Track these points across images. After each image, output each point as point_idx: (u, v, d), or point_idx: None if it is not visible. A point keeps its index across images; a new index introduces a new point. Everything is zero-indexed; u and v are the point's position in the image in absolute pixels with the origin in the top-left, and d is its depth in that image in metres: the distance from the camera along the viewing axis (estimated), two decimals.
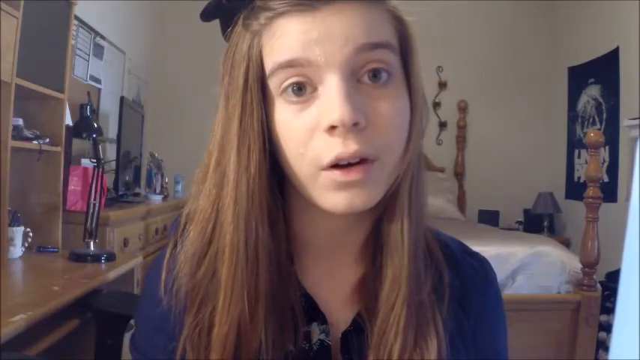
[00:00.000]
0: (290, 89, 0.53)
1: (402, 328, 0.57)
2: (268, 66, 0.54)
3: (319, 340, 0.60)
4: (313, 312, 0.61)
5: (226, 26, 0.58)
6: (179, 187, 4.20)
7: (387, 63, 0.54)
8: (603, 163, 4.01)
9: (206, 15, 0.58)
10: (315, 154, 0.53)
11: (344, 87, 0.51)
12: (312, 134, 0.53)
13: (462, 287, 0.64)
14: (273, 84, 0.54)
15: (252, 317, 0.55)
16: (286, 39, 0.52)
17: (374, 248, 0.60)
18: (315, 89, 0.53)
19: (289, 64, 0.52)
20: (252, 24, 0.55)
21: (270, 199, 0.56)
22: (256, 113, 0.55)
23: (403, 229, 0.57)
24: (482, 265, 0.69)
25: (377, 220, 0.60)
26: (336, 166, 0.52)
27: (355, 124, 0.51)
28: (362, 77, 0.53)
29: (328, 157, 0.52)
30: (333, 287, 0.63)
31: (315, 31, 0.51)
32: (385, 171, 0.55)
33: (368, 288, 0.61)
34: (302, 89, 0.53)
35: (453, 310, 0.62)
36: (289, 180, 0.58)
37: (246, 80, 0.55)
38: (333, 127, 0.51)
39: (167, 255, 0.62)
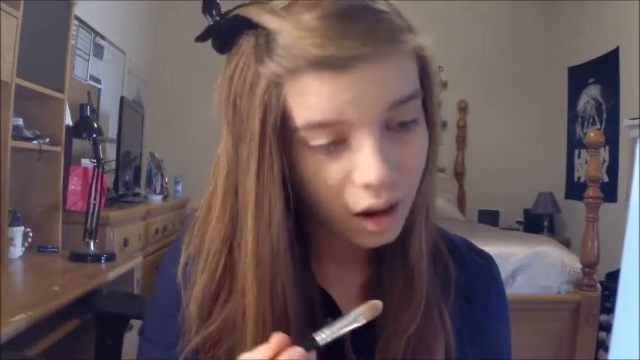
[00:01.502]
0: (321, 144, 0.52)
1: (411, 327, 0.57)
2: (297, 120, 0.51)
3: None
4: (326, 307, 0.61)
5: (221, 44, 0.55)
6: (179, 187, 4.20)
7: (415, 112, 0.54)
8: (603, 163, 4.01)
9: (202, 38, 0.56)
10: (346, 202, 0.53)
11: (378, 145, 0.51)
12: (342, 184, 0.53)
13: (468, 283, 0.66)
14: (301, 135, 0.52)
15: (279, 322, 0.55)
16: (318, 99, 0.50)
17: (384, 248, 0.60)
18: (345, 141, 0.52)
19: (322, 125, 0.51)
20: (269, 65, 0.51)
21: (294, 250, 0.56)
22: (276, 166, 0.52)
23: (422, 240, 0.59)
24: (486, 261, 0.71)
25: None
26: (366, 212, 0.53)
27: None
28: (391, 125, 0.53)
29: (360, 207, 0.53)
30: (344, 284, 0.64)
31: (349, 92, 0.49)
32: (408, 204, 0.57)
33: (378, 287, 0.61)
34: (333, 144, 0.52)
35: (459, 305, 0.63)
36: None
37: (263, 129, 0.52)
38: (369, 184, 0.52)
39: (183, 252, 0.62)
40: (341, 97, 0.49)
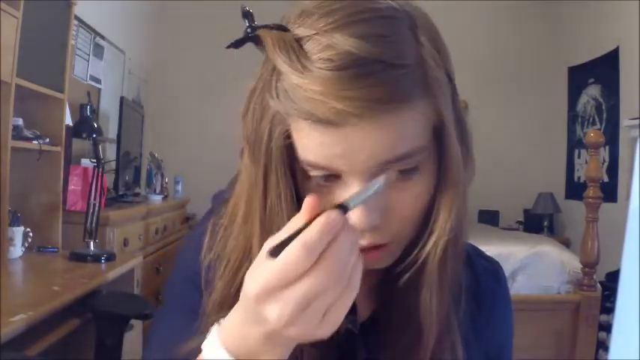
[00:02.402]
0: (317, 179, 0.54)
1: (419, 328, 0.58)
2: (298, 151, 0.53)
3: (346, 328, 0.61)
4: None
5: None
6: (179, 187, 4.20)
7: (416, 162, 0.53)
8: (603, 163, 4.01)
9: (235, 46, 0.55)
10: None
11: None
12: None
13: (476, 288, 0.67)
14: (301, 166, 0.54)
15: None
16: (310, 143, 0.51)
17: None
18: (340, 177, 0.53)
19: (314, 166, 0.53)
20: (274, 101, 0.52)
21: None
22: (283, 187, 0.55)
23: (433, 283, 0.58)
24: (494, 266, 0.73)
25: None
26: None
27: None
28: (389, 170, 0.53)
29: None
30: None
31: (338, 147, 0.50)
32: (400, 243, 0.57)
33: (388, 286, 0.62)
34: (328, 177, 0.53)
35: (468, 308, 0.63)
36: None
37: (268, 155, 0.54)
38: None
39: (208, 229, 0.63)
40: (330, 150, 0.50)
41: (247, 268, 0.54)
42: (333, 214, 0.44)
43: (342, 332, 0.61)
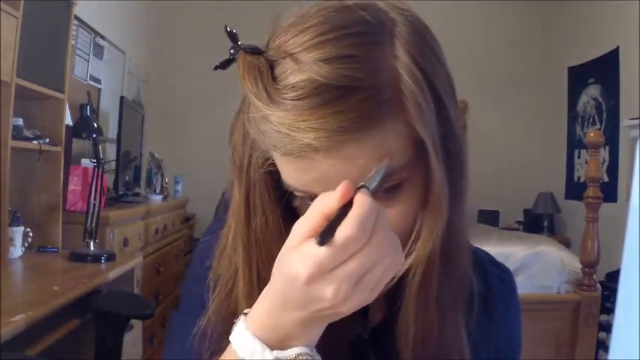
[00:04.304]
0: (301, 200, 0.55)
1: (429, 332, 0.58)
2: (281, 175, 0.54)
3: (357, 333, 0.62)
4: None
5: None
6: (179, 187, 4.20)
7: (396, 180, 0.51)
8: (603, 163, 4.01)
9: (221, 67, 0.55)
10: None
11: None
12: None
13: (488, 294, 0.67)
14: (285, 187, 0.55)
15: None
16: (287, 171, 0.52)
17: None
18: None
19: (295, 190, 0.53)
20: (249, 126, 0.52)
21: None
22: (269, 215, 0.56)
23: (430, 291, 0.57)
24: (506, 274, 0.73)
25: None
26: None
27: None
28: None
29: None
30: None
31: (310, 174, 0.50)
32: None
33: (400, 291, 0.61)
34: (313, 197, 0.53)
35: (478, 315, 0.63)
36: None
37: (248, 180, 0.56)
38: None
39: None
40: (303, 178, 0.51)
41: (236, 288, 0.56)
42: (368, 197, 0.45)
43: (353, 337, 0.61)
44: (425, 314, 0.57)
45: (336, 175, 0.49)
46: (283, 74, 0.49)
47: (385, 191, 0.51)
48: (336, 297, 0.44)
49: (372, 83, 0.48)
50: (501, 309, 0.69)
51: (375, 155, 0.49)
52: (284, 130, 0.48)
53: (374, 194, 0.47)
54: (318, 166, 0.49)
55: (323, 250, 0.43)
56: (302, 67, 0.48)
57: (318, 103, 0.47)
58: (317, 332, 0.49)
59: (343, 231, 0.43)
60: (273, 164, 0.54)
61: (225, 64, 0.53)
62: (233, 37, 0.52)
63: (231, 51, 0.52)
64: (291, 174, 0.52)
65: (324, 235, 0.44)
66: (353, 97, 0.47)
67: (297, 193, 0.54)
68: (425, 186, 0.53)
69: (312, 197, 0.50)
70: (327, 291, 0.44)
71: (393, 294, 0.62)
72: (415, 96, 0.50)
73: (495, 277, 0.70)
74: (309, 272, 0.43)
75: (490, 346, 0.66)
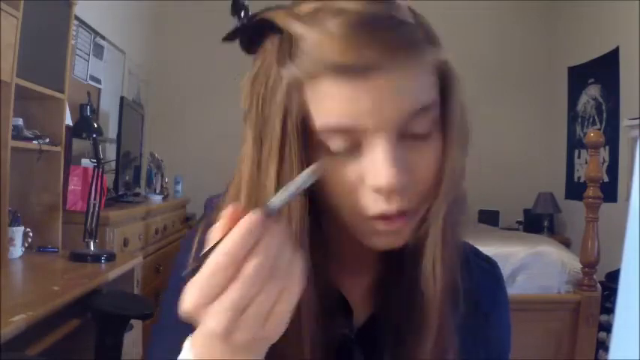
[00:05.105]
0: (338, 147, 0.53)
1: (417, 331, 0.58)
2: (316, 121, 0.53)
3: (343, 333, 0.61)
4: (337, 305, 0.62)
5: (248, 44, 0.56)
6: (179, 187, 4.20)
7: (430, 124, 0.54)
8: (603, 163, 4.01)
9: (229, 38, 0.56)
10: (360, 206, 0.54)
11: (390, 151, 0.52)
12: (356, 188, 0.54)
13: (473, 288, 0.65)
14: (319, 138, 0.53)
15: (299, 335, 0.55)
16: (335, 104, 0.51)
17: (395, 255, 0.60)
18: (361, 145, 0.53)
19: (338, 130, 0.52)
20: (290, 68, 0.52)
21: (311, 248, 0.55)
22: (296, 167, 0.53)
23: (436, 259, 0.58)
24: (492, 267, 0.73)
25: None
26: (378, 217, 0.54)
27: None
28: (405, 135, 0.53)
29: (373, 212, 0.54)
30: (354, 284, 0.64)
31: (366, 100, 0.50)
32: (419, 215, 0.57)
33: (386, 288, 0.62)
34: (349, 147, 0.53)
35: (464, 310, 0.63)
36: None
37: (284, 131, 0.53)
38: (379, 188, 0.52)
39: (198, 235, 0.62)
40: (358, 105, 0.51)
41: None
42: (253, 217, 0.43)
43: (339, 338, 0.60)
44: (444, 267, 0.58)
45: (387, 101, 0.51)
46: (327, 15, 0.51)
47: (416, 138, 0.53)
48: (219, 326, 0.42)
49: (409, 21, 0.53)
50: (489, 304, 0.68)
51: (422, 83, 0.52)
52: (345, 46, 0.49)
53: (405, 138, 0.52)
54: (373, 88, 0.50)
55: (200, 280, 0.43)
56: (345, 7, 0.51)
57: (372, 27, 0.50)
58: (251, 356, 0.46)
59: (210, 260, 0.43)
60: (304, 123, 0.53)
61: (241, 32, 0.55)
62: (245, 9, 0.55)
63: (245, 21, 0.54)
64: (340, 105, 0.51)
65: (198, 267, 0.43)
66: (399, 24, 0.52)
67: (332, 141, 0.52)
68: (444, 131, 0.56)
69: (352, 144, 0.52)
70: (211, 320, 0.43)
71: (379, 291, 0.63)
72: (438, 38, 0.56)
73: (482, 271, 0.70)
74: (192, 302, 0.43)
75: (479, 342, 0.65)
